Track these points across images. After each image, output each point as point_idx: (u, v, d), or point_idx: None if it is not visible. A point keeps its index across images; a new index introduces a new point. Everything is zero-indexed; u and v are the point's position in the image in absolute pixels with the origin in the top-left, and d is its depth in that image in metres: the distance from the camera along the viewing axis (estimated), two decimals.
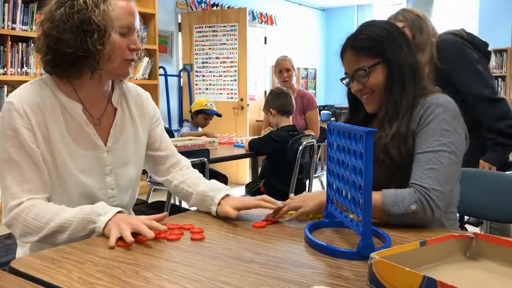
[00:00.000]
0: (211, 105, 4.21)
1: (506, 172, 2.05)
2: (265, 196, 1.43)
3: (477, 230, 2.61)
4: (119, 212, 1.24)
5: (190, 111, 4.43)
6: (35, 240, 1.24)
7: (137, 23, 1.37)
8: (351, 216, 1.18)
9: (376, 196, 1.26)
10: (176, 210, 2.78)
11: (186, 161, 1.63)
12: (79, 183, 1.36)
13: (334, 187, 1.28)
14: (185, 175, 1.57)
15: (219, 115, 4.25)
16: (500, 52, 6.72)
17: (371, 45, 1.41)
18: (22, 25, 3.99)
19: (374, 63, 1.41)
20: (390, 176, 1.35)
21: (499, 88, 6.78)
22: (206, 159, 2.95)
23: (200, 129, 4.30)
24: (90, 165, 1.38)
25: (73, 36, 1.26)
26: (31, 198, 1.26)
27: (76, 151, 1.35)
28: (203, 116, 4.22)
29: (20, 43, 4.00)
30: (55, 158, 1.32)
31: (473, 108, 2.13)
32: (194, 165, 1.66)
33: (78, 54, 1.27)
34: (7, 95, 3.94)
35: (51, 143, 1.31)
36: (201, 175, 1.61)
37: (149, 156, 1.56)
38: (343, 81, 1.52)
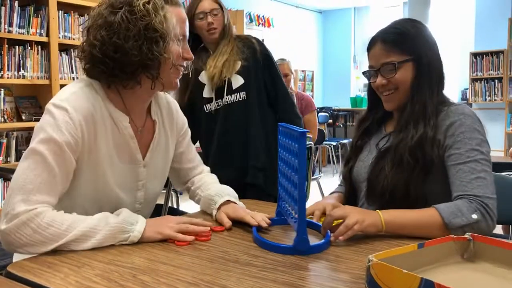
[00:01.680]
0: None
1: (502, 173, 2.05)
2: (257, 214, 1.33)
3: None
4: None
5: None
6: (49, 249, 1.10)
7: (188, 31, 1.32)
8: (293, 212, 1.21)
9: (430, 212, 1.22)
10: (174, 212, 2.77)
11: (204, 168, 1.62)
12: (114, 196, 1.30)
13: (283, 186, 1.32)
14: (201, 180, 1.56)
15: None
16: (496, 53, 6.73)
17: (403, 41, 1.38)
18: (19, 28, 3.98)
19: (404, 59, 1.37)
20: (414, 180, 1.32)
21: (496, 90, 6.80)
22: None
23: None
24: (125, 178, 1.32)
25: (137, 44, 1.18)
26: (46, 203, 1.14)
27: (115, 164, 1.29)
28: None
29: (17, 46, 3.99)
30: (96, 170, 1.24)
31: None
32: None
33: (143, 62, 1.20)
34: (4, 99, 3.93)
35: (96, 154, 1.23)
36: (216, 179, 1.59)
37: (173, 169, 1.53)
38: (365, 75, 1.47)
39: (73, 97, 1.21)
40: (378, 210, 1.24)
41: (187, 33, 1.32)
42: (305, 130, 1.11)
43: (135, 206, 1.37)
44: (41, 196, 1.13)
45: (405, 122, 1.38)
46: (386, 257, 0.88)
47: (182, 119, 1.53)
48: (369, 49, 1.44)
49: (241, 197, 1.53)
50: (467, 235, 1.03)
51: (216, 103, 2.20)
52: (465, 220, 1.19)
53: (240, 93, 2.18)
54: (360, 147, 1.53)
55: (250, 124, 2.20)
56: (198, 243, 1.19)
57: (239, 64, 2.18)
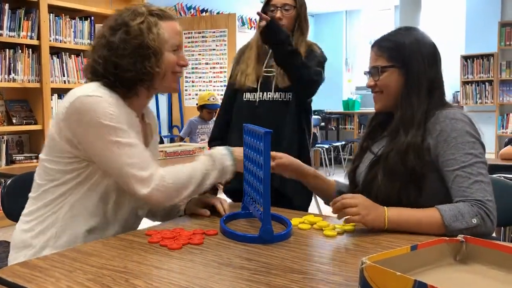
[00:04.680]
0: (213, 99, 4.45)
1: (494, 175, 2.06)
2: (223, 200, 1.53)
3: None
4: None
5: (197, 104, 4.67)
6: (187, 195, 1.36)
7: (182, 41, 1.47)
8: (258, 206, 1.31)
9: (431, 212, 1.27)
10: None
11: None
12: (122, 195, 1.39)
13: (249, 182, 1.42)
14: None
15: None
16: (487, 56, 6.78)
17: (392, 49, 1.44)
18: (10, 31, 3.96)
19: (388, 65, 1.44)
20: (405, 186, 1.35)
21: (486, 93, 6.85)
22: None
23: (210, 122, 4.50)
24: None
25: (132, 61, 1.33)
26: (156, 168, 1.33)
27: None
28: (207, 111, 4.51)
29: (7, 50, 3.97)
30: None
31: None
32: None
33: (138, 77, 1.35)
34: None
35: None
36: None
37: None
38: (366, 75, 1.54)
39: (90, 88, 1.33)
40: (385, 208, 1.29)
41: (182, 43, 1.46)
42: (269, 130, 1.20)
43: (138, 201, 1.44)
44: (147, 158, 1.33)
45: (396, 128, 1.42)
46: (379, 259, 0.88)
47: (156, 123, 1.65)
48: (371, 49, 1.52)
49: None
50: (460, 237, 1.03)
51: (259, 95, 2.10)
52: (464, 224, 1.24)
53: (286, 93, 2.09)
54: (365, 148, 1.56)
55: (284, 126, 2.08)
56: (190, 247, 1.18)
57: None
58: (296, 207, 1.65)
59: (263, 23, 1.98)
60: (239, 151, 1.47)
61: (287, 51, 1.97)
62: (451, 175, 1.32)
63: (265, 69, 2.12)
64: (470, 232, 1.21)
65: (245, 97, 2.14)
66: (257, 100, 2.10)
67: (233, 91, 2.20)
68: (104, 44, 1.36)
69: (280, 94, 2.09)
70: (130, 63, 1.33)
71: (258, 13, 2.04)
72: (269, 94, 2.09)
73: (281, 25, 2.04)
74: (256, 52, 2.15)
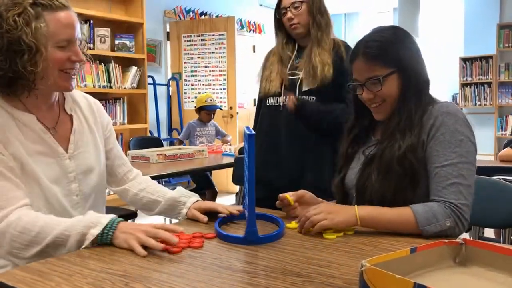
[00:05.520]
0: (211, 100, 4.48)
1: (492, 177, 2.06)
2: (223, 205, 1.49)
3: (466, 236, 2.62)
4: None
5: (195, 107, 4.67)
6: (30, 255, 1.19)
7: (78, 32, 1.31)
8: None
9: (405, 212, 1.27)
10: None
11: (137, 170, 1.66)
12: (47, 191, 1.33)
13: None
14: (142, 183, 1.61)
15: (220, 108, 4.77)
16: (485, 58, 6.79)
17: (385, 52, 1.35)
18: None
19: (388, 72, 1.35)
20: (403, 188, 1.33)
21: (485, 94, 6.85)
22: None
23: (208, 125, 4.53)
24: (55, 172, 1.36)
25: (3, 58, 1.22)
26: (17, 208, 1.22)
27: (40, 160, 1.33)
28: (205, 112, 4.50)
29: None
30: (24, 166, 1.29)
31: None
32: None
33: (9, 76, 1.23)
34: None
35: (16, 154, 1.28)
36: (157, 183, 1.64)
37: (106, 166, 1.56)
38: (350, 86, 1.45)
39: None
40: (356, 206, 1.30)
41: (77, 35, 1.31)
42: (253, 133, 1.21)
43: (72, 198, 1.40)
44: (7, 196, 1.21)
45: (392, 131, 1.37)
46: (379, 262, 0.88)
47: (107, 118, 1.58)
48: (351, 61, 1.42)
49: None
50: (459, 239, 1.03)
51: (283, 99, 2.06)
52: (438, 228, 1.25)
53: (310, 97, 2.02)
54: (351, 155, 1.52)
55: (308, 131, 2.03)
56: (190, 250, 1.18)
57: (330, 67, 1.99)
58: None
59: (291, 106, 1.98)
60: (128, 225, 1.22)
61: (316, 120, 1.99)
62: (432, 172, 1.32)
63: (289, 72, 2.09)
64: (445, 234, 1.24)
65: (268, 103, 2.11)
66: (281, 104, 2.06)
67: (260, 101, 2.18)
68: None
69: (303, 98, 2.04)
70: (1, 60, 1.21)
71: (284, 94, 2.05)
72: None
73: (296, 24, 2.02)
74: (279, 56, 2.12)
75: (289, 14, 2.02)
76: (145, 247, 1.16)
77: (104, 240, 1.20)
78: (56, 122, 1.40)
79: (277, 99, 2.08)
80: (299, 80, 2.04)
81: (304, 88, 2.03)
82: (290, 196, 1.48)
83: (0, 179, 1.23)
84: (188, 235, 1.28)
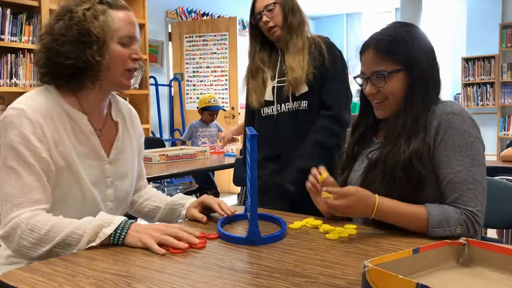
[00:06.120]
0: (214, 101, 4.49)
1: (495, 177, 2.06)
2: (222, 202, 1.50)
3: None
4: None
5: (197, 107, 4.70)
6: (37, 255, 1.20)
7: (138, 33, 1.38)
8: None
9: (420, 210, 1.26)
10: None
11: (148, 184, 1.69)
12: (87, 191, 1.35)
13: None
14: (148, 193, 1.63)
15: (224, 109, 4.83)
16: (488, 58, 6.78)
17: (396, 49, 1.32)
18: (11, 36, 3.97)
19: (395, 69, 1.32)
20: (408, 194, 1.29)
21: (488, 95, 6.84)
22: None
23: (211, 125, 4.59)
24: (95, 176, 1.38)
25: (72, 48, 1.27)
26: (34, 210, 1.22)
27: (83, 160, 1.35)
28: (208, 113, 4.55)
29: (9, 54, 3.97)
30: (70, 166, 1.31)
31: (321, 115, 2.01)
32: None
33: (77, 66, 1.28)
34: None
35: (64, 151, 1.30)
36: (160, 192, 1.66)
37: None
38: (356, 80, 1.42)
39: (25, 100, 1.29)
40: (377, 197, 1.27)
41: (137, 35, 1.37)
42: (255, 133, 1.22)
43: (107, 203, 1.41)
44: (26, 197, 1.22)
45: (397, 135, 1.33)
46: (381, 262, 0.88)
47: (141, 130, 1.61)
48: (361, 53, 1.39)
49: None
50: (462, 240, 1.03)
51: (276, 107, 2.05)
52: (447, 233, 1.24)
53: (302, 101, 2.01)
54: (355, 156, 1.49)
55: (305, 135, 1.99)
56: (193, 251, 1.18)
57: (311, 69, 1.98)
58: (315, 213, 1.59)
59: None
60: (142, 225, 1.25)
61: (318, 154, 1.95)
62: (445, 177, 1.28)
63: (278, 79, 2.07)
64: (452, 237, 1.23)
65: (263, 113, 2.09)
66: (275, 113, 2.05)
67: (251, 112, 2.15)
68: (48, 32, 1.31)
69: (297, 103, 2.01)
70: (71, 50, 1.27)
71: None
72: (287, 104, 2.03)
73: (272, 27, 1.99)
74: (258, 66, 2.09)
75: (264, 18, 1.99)
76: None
77: (117, 240, 1.20)
78: (103, 126, 1.43)
79: (272, 108, 2.07)
80: (289, 87, 2.01)
81: (297, 94, 2.01)
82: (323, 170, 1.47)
83: (33, 176, 1.24)
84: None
